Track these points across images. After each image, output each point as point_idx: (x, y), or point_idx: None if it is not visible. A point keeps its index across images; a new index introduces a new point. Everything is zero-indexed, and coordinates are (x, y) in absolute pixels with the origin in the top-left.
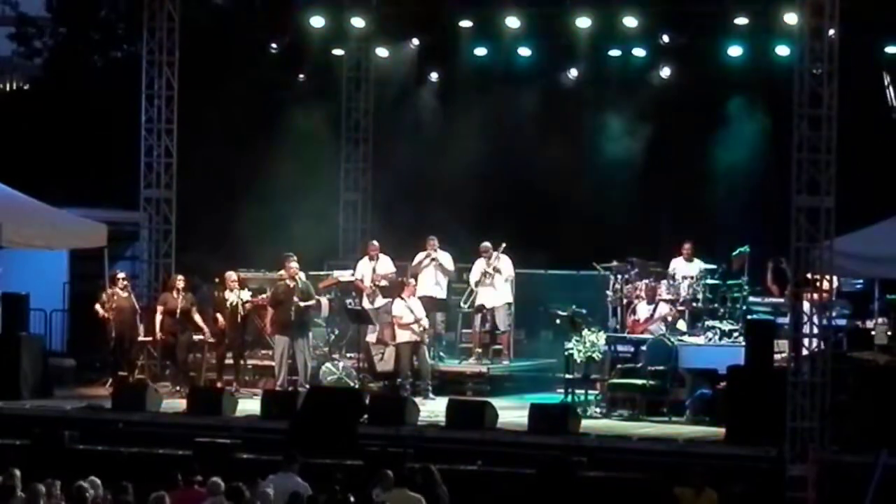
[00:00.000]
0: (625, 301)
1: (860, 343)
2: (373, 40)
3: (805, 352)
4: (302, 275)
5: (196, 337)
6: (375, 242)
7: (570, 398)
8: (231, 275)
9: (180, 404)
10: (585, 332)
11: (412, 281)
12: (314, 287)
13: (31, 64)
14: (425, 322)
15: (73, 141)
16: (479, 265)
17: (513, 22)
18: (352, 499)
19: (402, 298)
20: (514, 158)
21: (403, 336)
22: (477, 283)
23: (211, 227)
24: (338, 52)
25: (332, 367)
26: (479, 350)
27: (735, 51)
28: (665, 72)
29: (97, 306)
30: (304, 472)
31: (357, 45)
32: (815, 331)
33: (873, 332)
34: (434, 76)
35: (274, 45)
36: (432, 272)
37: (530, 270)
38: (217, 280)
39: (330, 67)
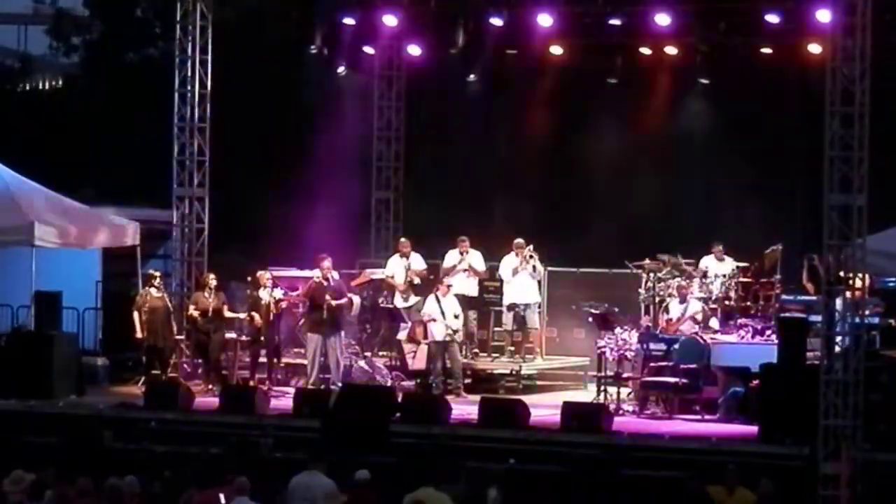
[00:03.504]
0: (657, 299)
1: (893, 341)
2: (404, 38)
3: (838, 350)
4: (335, 273)
5: (229, 335)
6: (404, 240)
7: (602, 396)
8: (264, 273)
9: (213, 403)
10: (618, 329)
11: (446, 279)
12: (346, 286)
13: (66, 62)
14: (460, 320)
15: (106, 139)
16: (511, 261)
17: (545, 20)
18: None
19: (436, 296)
20: (546, 157)
21: (435, 334)
22: (514, 272)
23: (244, 226)
24: (369, 50)
25: (364, 366)
26: (512, 348)
27: (767, 48)
28: (696, 70)
29: (135, 313)
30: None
31: (389, 42)
32: (848, 329)
33: None
34: (465, 75)
35: (313, 47)
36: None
37: (562, 269)
38: (250, 279)
39: (364, 66)
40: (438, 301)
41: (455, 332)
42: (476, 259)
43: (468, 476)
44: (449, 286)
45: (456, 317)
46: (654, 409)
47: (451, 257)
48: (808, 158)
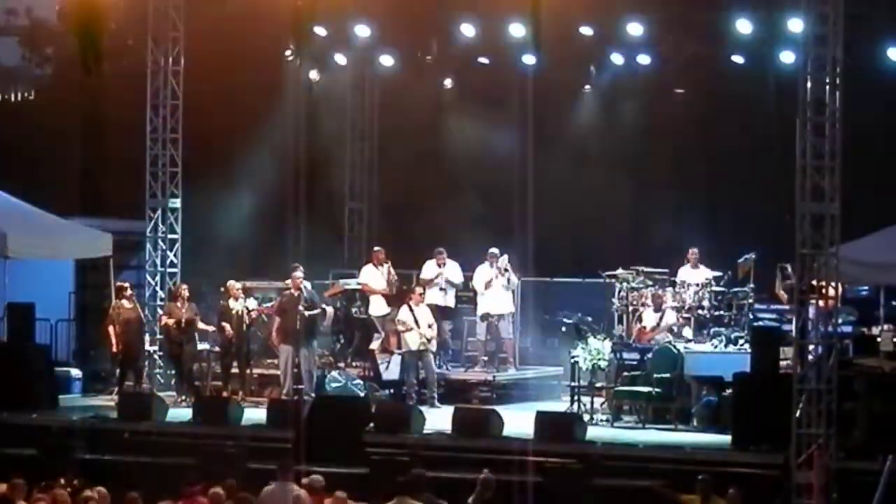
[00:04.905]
0: (630, 309)
1: (866, 350)
2: (377, 48)
3: (811, 358)
4: (307, 284)
5: (201, 346)
6: (378, 248)
7: (576, 406)
8: (234, 284)
9: (186, 414)
10: (591, 339)
11: (419, 289)
12: (319, 296)
13: (38, 73)
14: (434, 330)
15: (79, 150)
16: (485, 271)
17: (516, 30)
18: None
19: (409, 306)
20: (519, 166)
21: (409, 344)
22: (486, 286)
23: (217, 237)
24: (342, 59)
25: (337, 376)
26: (485, 358)
27: (739, 58)
28: (669, 79)
29: (110, 328)
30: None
31: (361, 52)
32: (821, 337)
33: (879, 339)
34: (438, 84)
35: (287, 54)
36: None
37: (536, 278)
38: (222, 290)
39: (334, 75)
40: (412, 310)
41: (429, 341)
42: (453, 271)
43: (431, 486)
44: (422, 295)
45: (429, 326)
46: (628, 418)
47: (430, 269)
48: (781, 167)
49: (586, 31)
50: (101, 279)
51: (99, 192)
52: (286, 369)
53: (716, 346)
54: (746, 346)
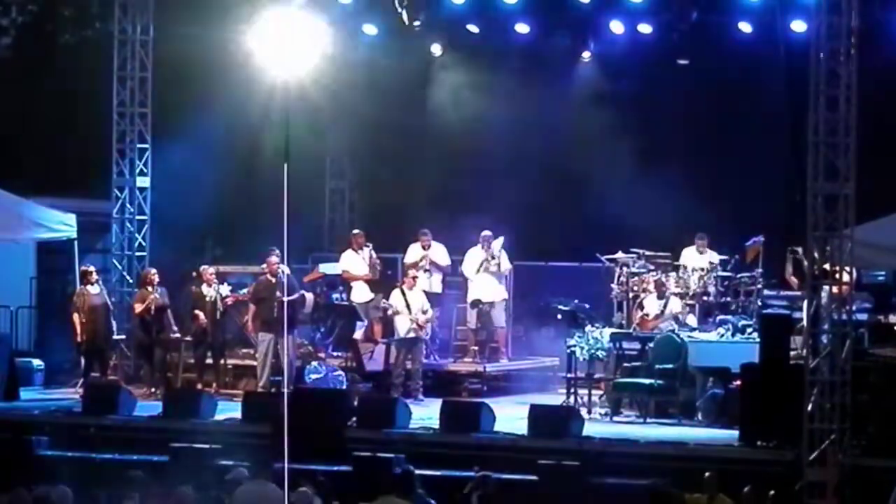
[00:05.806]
0: (631, 295)
1: (882, 339)
2: (359, 16)
3: (823, 348)
4: (285, 268)
5: (174, 334)
6: (357, 231)
7: (572, 399)
8: (208, 268)
9: (156, 407)
10: (589, 328)
11: (413, 272)
12: (298, 281)
13: None
14: (428, 315)
15: (41, 126)
16: (476, 255)
17: None
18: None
19: (401, 289)
20: (510, 143)
21: (399, 330)
22: (477, 271)
23: (189, 218)
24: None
25: (317, 367)
26: (476, 348)
27: (747, 27)
28: (672, 49)
29: (74, 315)
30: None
31: (342, 20)
32: (834, 326)
33: None
34: (425, 55)
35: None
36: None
37: (530, 262)
38: (194, 275)
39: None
40: (404, 294)
41: (421, 327)
42: (439, 253)
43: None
44: (415, 278)
45: (423, 312)
46: (628, 412)
47: (414, 252)
48: (792, 144)
49: None
50: (65, 263)
51: (62, 169)
52: (264, 360)
53: (722, 335)
54: (755, 334)
